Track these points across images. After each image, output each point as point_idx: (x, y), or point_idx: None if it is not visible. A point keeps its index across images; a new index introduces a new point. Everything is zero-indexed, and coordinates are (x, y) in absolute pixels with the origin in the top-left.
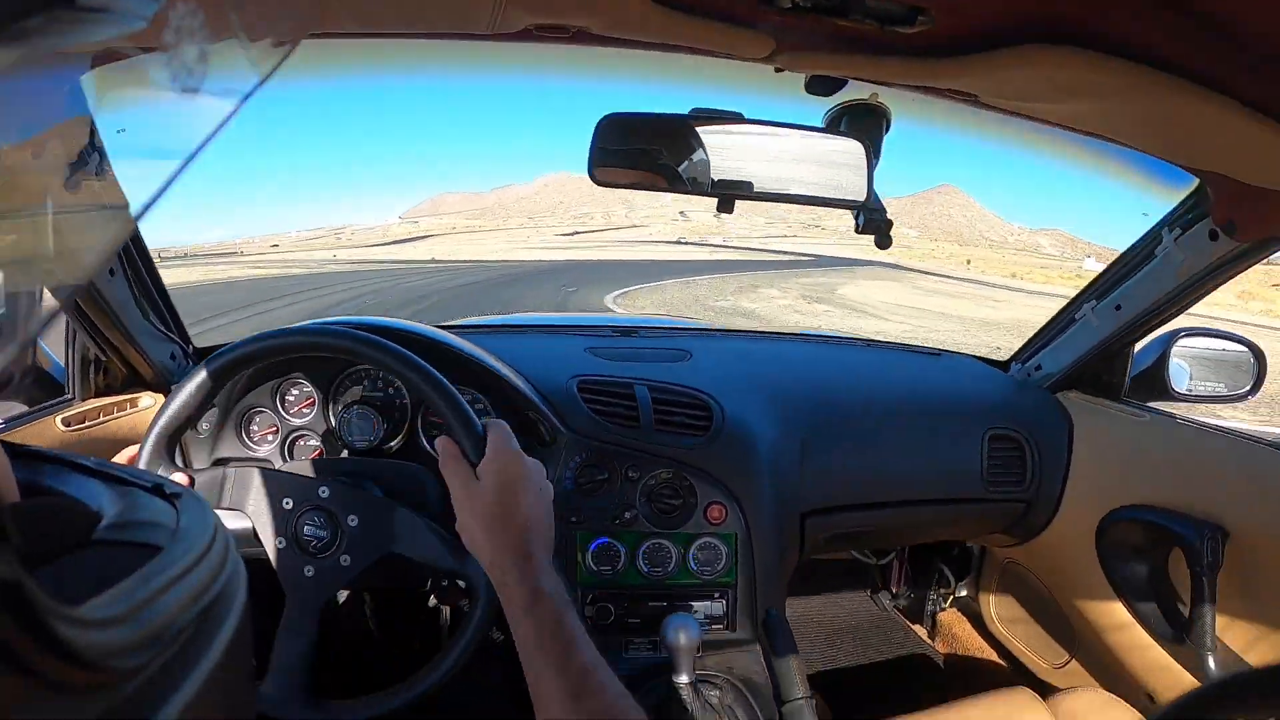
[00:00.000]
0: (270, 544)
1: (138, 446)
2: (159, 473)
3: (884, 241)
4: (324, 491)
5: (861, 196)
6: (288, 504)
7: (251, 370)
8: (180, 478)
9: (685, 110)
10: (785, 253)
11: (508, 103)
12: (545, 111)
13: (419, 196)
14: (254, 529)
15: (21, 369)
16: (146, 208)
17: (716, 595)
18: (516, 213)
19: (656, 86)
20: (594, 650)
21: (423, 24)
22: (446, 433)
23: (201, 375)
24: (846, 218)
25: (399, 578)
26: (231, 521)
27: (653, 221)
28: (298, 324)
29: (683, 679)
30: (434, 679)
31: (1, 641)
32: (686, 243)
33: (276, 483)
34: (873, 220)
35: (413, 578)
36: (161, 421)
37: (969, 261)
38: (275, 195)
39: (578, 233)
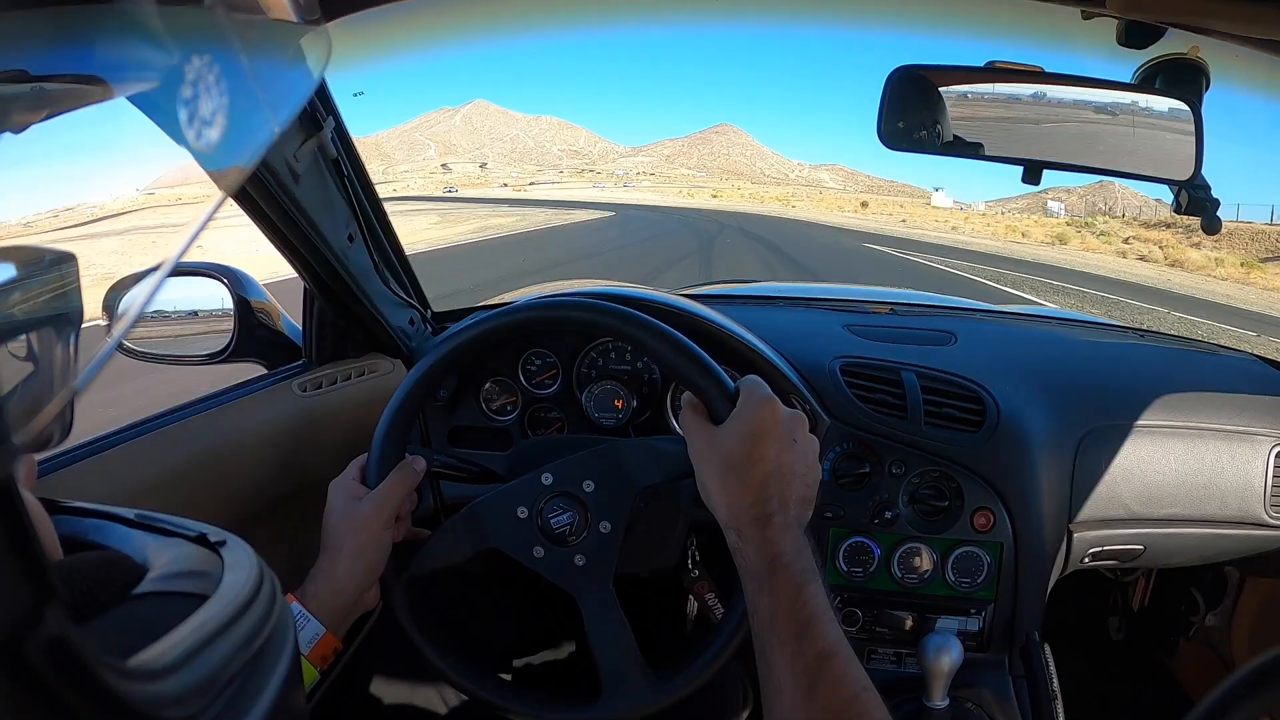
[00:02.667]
0: (530, 558)
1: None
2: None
3: (1212, 225)
4: (547, 478)
5: (1189, 171)
6: (523, 512)
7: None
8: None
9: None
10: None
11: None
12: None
13: None
14: (510, 555)
15: (62, 426)
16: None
17: (973, 611)
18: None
19: (946, 34)
20: (837, 631)
21: None
22: (692, 391)
23: (441, 354)
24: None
25: (658, 553)
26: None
27: (407, 177)
28: (533, 298)
29: (937, 703)
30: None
31: (53, 696)
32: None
33: (498, 502)
34: (1197, 199)
35: (669, 551)
36: (397, 400)
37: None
38: None
39: None
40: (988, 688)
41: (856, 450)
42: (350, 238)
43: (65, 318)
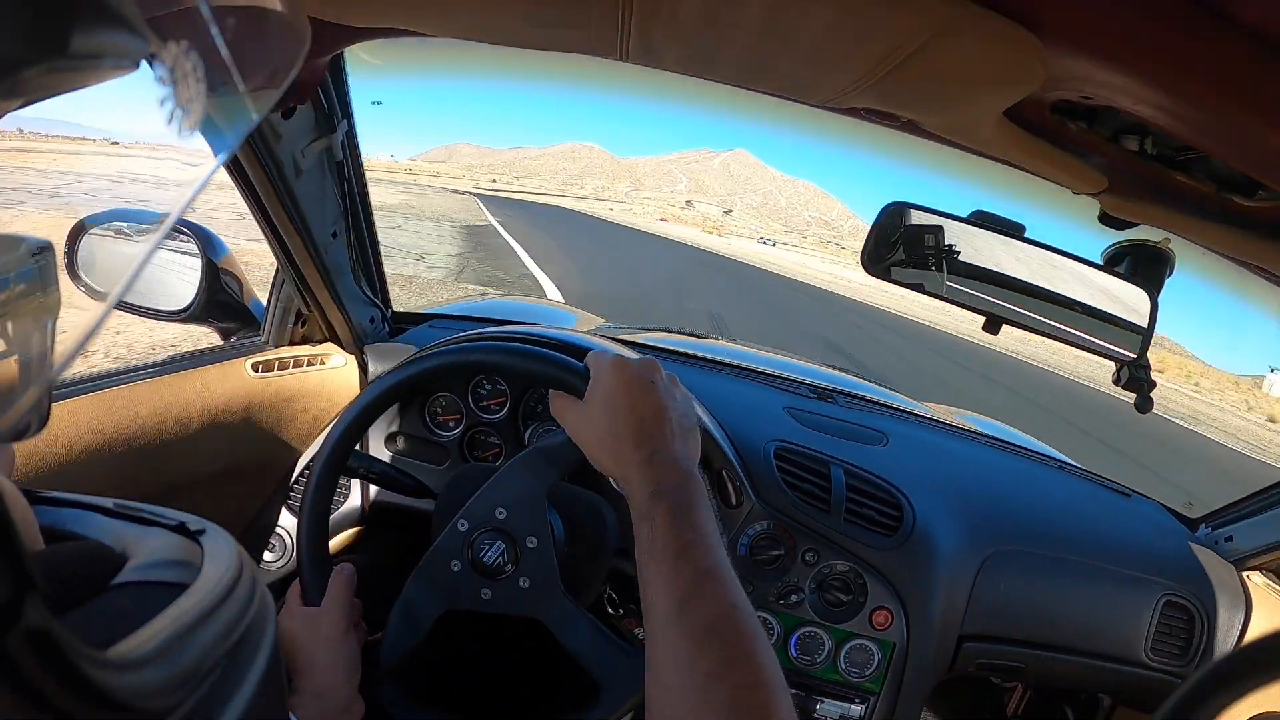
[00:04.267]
0: (483, 604)
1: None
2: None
3: (1144, 405)
4: (463, 525)
5: (1135, 351)
6: (456, 566)
7: None
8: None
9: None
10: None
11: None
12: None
13: (432, 143)
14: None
15: (38, 417)
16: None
17: (856, 700)
18: (525, 172)
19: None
20: (718, 556)
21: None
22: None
23: (399, 377)
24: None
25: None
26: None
27: (654, 202)
28: (485, 341)
29: None
30: None
31: (34, 688)
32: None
33: (431, 570)
34: (1136, 378)
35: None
36: (310, 539)
37: None
38: None
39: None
40: None
41: (774, 532)
42: (334, 234)
43: (42, 305)
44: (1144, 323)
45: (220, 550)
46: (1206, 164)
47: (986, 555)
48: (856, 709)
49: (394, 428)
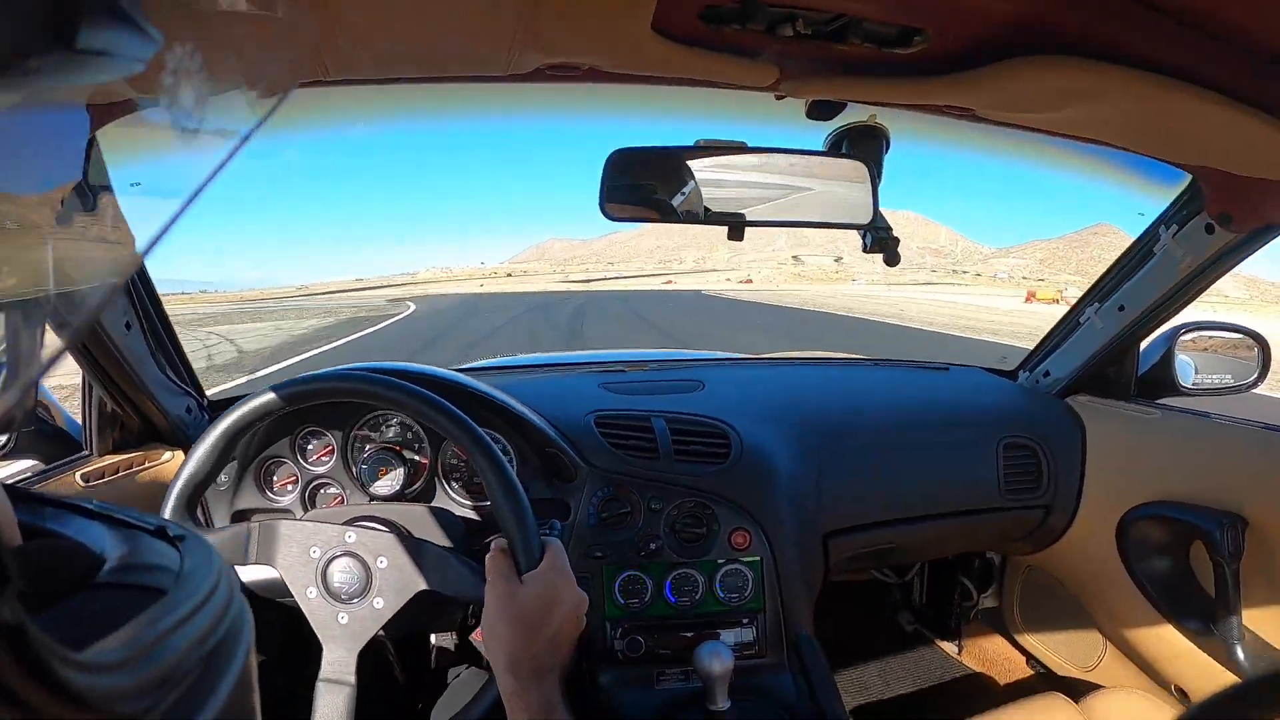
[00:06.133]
0: (301, 595)
1: None
2: None
3: (892, 259)
4: (350, 536)
5: (868, 217)
6: (315, 553)
7: (269, 421)
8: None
9: (692, 142)
10: None
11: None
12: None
13: (525, 244)
14: (283, 581)
15: (24, 411)
16: (151, 245)
17: (745, 621)
18: (618, 257)
19: (670, 121)
20: None
21: (440, 69)
22: (500, 527)
23: (218, 431)
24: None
25: (432, 620)
26: (260, 575)
27: (759, 265)
28: (312, 372)
29: (719, 705)
30: None
31: (4, 686)
32: None
33: (303, 533)
34: (880, 239)
35: (443, 621)
36: (179, 483)
37: None
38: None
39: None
40: (769, 686)
41: (616, 493)
42: (128, 325)
43: (32, 302)
44: (870, 192)
45: (200, 557)
46: (859, 27)
47: (821, 455)
48: (749, 632)
49: (236, 506)
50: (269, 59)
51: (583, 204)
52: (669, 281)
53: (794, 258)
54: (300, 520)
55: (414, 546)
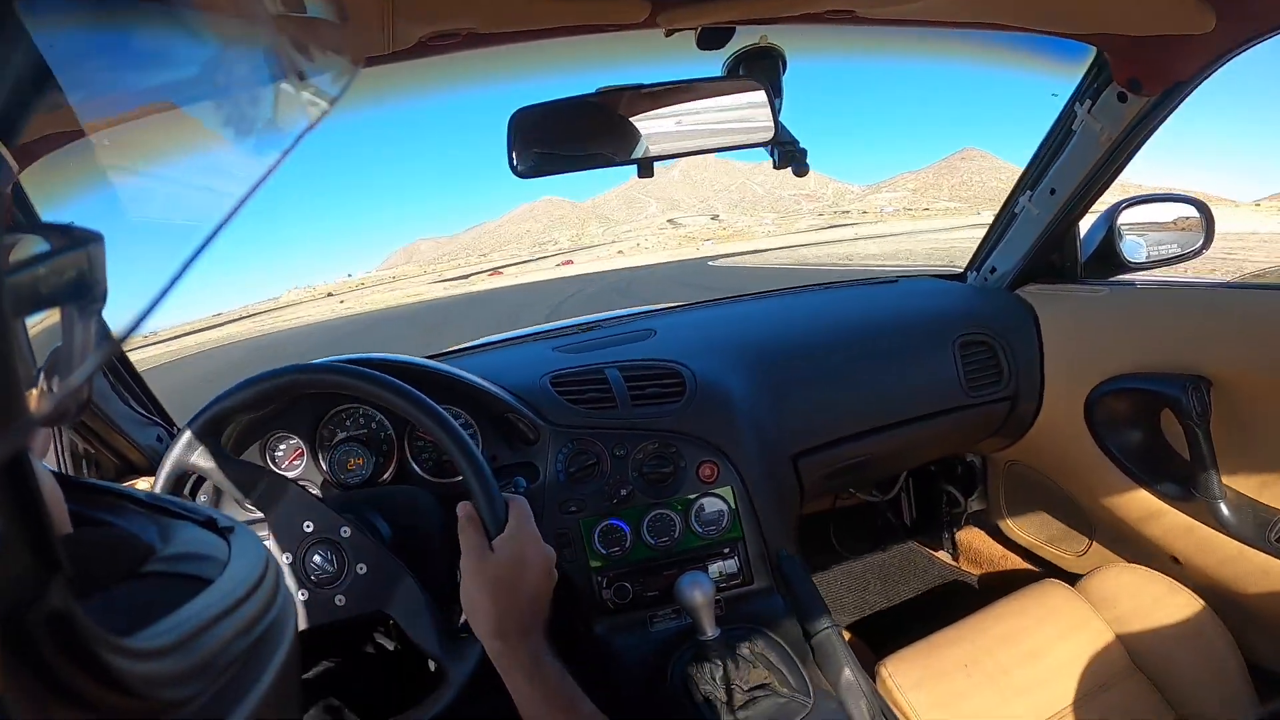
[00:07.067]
0: (277, 554)
1: None
2: None
3: (801, 170)
4: (345, 531)
5: (770, 135)
6: (308, 527)
7: (237, 432)
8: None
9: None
10: None
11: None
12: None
13: (391, 248)
14: (270, 533)
15: (79, 402)
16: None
17: (727, 552)
18: (489, 246)
19: (572, 78)
20: (592, 706)
21: None
22: (469, 499)
23: (186, 436)
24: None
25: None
26: (246, 516)
27: (635, 235)
28: (280, 367)
29: (708, 634)
30: None
31: (52, 671)
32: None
33: (306, 505)
34: (787, 152)
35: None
36: (157, 491)
37: None
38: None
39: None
40: (759, 611)
41: (581, 447)
42: None
43: (90, 294)
44: (770, 110)
45: (247, 549)
46: None
47: (776, 379)
48: (732, 562)
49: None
50: None
51: (443, 197)
52: (567, 262)
53: (669, 221)
54: (311, 494)
55: (396, 571)
